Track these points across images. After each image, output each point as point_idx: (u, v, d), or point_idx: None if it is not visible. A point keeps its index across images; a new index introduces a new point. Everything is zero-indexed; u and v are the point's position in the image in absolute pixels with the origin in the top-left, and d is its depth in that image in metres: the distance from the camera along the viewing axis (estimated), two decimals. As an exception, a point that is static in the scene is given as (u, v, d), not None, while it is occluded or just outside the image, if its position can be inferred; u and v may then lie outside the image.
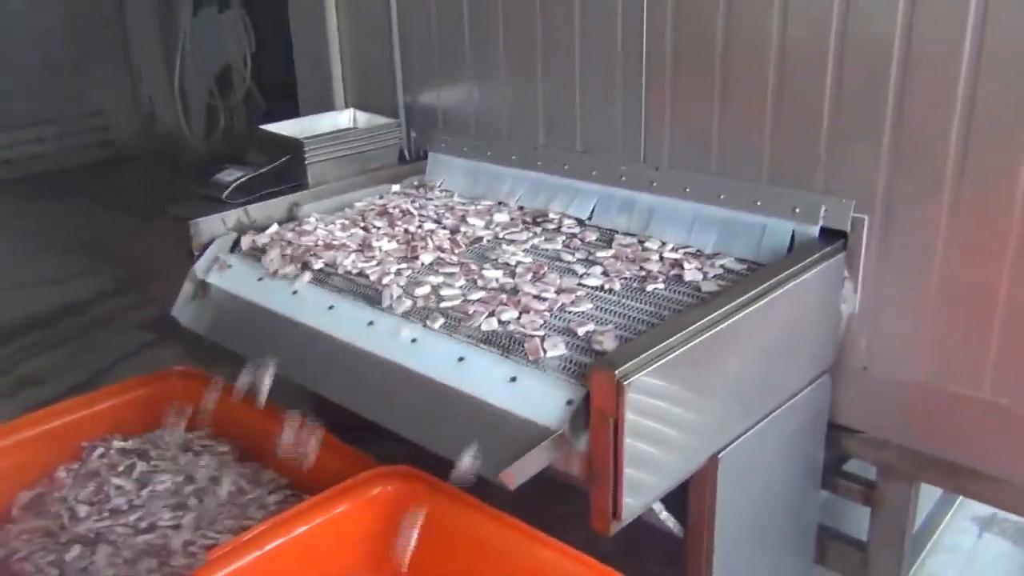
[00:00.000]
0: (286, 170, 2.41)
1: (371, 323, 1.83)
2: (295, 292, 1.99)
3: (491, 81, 2.51)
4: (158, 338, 3.72)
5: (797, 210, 1.92)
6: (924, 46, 1.71)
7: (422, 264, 2.04)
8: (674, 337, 1.50)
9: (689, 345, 1.51)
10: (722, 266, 1.95)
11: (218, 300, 2.12)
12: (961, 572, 2.34)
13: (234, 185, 2.27)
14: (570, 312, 1.78)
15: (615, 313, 1.77)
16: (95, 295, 4.21)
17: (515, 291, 1.86)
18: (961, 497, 2.42)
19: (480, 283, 1.92)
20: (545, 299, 1.81)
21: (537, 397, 1.54)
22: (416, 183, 2.63)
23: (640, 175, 2.20)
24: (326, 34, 2.84)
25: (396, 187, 2.58)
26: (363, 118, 2.73)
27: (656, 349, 1.46)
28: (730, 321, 1.59)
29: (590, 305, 1.80)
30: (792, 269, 1.76)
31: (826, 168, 1.89)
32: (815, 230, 1.90)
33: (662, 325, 1.62)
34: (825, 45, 1.82)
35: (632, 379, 1.39)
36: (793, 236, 1.93)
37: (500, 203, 2.45)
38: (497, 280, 1.93)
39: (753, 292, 1.67)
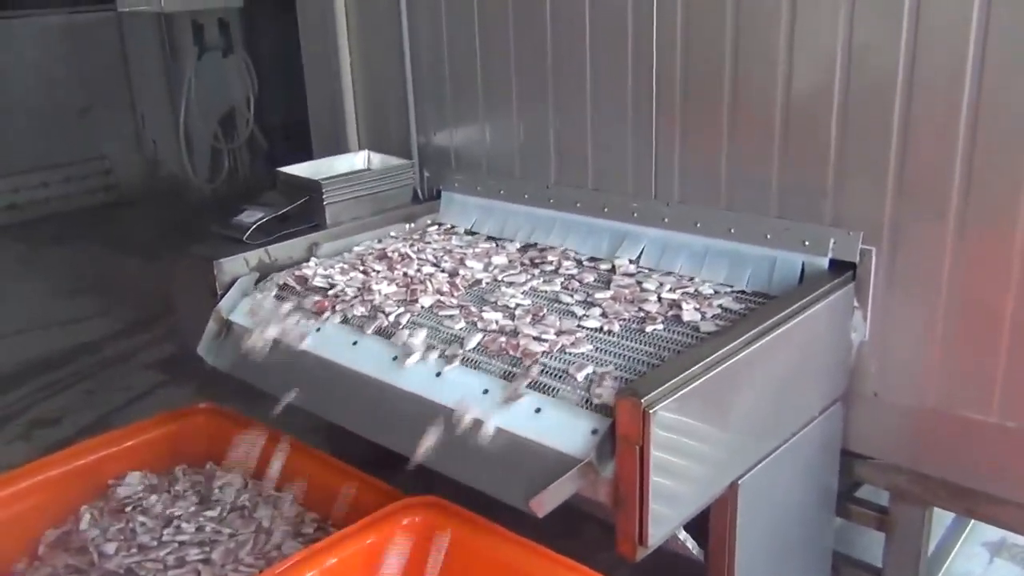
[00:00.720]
0: (304, 211, 2.46)
1: (395, 358, 1.88)
2: (319, 329, 2.04)
3: (503, 121, 2.56)
4: (169, 378, 3.75)
5: (806, 243, 1.98)
6: (926, 79, 1.76)
7: (422, 307, 2.04)
8: (696, 367, 1.55)
9: (710, 374, 1.56)
10: (720, 306, 1.96)
11: (242, 338, 2.16)
12: (973, 597, 2.37)
13: (255, 226, 2.32)
14: (570, 354, 1.78)
15: (615, 354, 1.78)
16: (105, 336, 4.24)
17: (515, 333, 1.87)
18: (972, 523, 2.45)
19: (480, 325, 1.93)
20: (545, 340, 1.82)
21: (562, 427, 1.59)
22: (430, 221, 2.69)
23: (651, 211, 2.25)
24: (340, 77, 2.89)
25: (394, 231, 2.60)
26: (377, 159, 2.77)
27: (679, 379, 1.51)
28: (746, 352, 1.64)
29: (590, 347, 1.81)
30: (804, 300, 1.81)
31: (834, 201, 1.93)
32: (825, 262, 1.95)
33: (682, 356, 1.67)
34: (830, 80, 1.87)
35: (657, 407, 1.44)
36: (803, 268, 1.98)
37: (500, 244, 2.46)
38: (497, 322, 1.93)
39: (767, 323, 1.71)
